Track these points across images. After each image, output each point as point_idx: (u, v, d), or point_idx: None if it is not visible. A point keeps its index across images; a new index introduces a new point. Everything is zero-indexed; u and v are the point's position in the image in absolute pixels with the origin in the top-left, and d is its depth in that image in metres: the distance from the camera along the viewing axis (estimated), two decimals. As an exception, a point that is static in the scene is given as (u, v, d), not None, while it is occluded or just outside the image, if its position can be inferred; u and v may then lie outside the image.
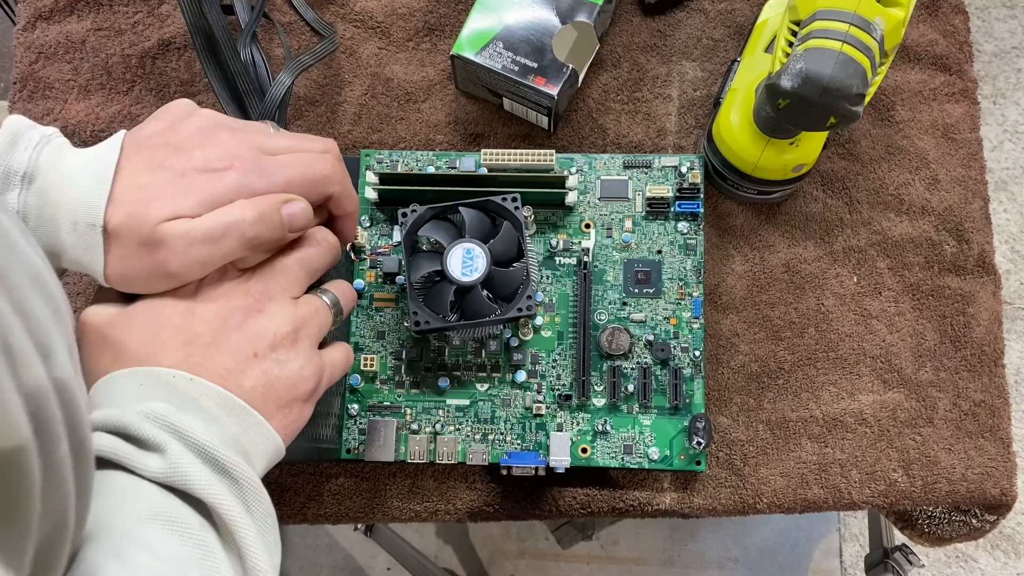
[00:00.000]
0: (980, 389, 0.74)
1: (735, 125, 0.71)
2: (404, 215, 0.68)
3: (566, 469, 0.70)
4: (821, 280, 0.76)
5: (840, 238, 0.77)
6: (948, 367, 0.75)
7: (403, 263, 0.72)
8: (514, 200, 0.68)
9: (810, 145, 0.71)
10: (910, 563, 1.04)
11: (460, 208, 0.69)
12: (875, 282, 0.76)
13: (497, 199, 0.68)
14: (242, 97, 0.68)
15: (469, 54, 0.74)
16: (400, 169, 0.76)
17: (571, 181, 0.72)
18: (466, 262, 0.67)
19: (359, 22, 0.81)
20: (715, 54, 0.81)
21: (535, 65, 0.74)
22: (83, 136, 0.78)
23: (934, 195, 0.78)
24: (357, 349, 0.73)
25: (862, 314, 0.75)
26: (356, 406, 0.72)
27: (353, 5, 0.82)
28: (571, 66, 0.74)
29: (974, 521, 0.76)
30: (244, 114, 0.69)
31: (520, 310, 0.67)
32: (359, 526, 1.38)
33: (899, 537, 1.08)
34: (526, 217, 0.71)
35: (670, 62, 0.80)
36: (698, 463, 0.71)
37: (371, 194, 0.72)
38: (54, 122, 0.78)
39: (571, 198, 0.73)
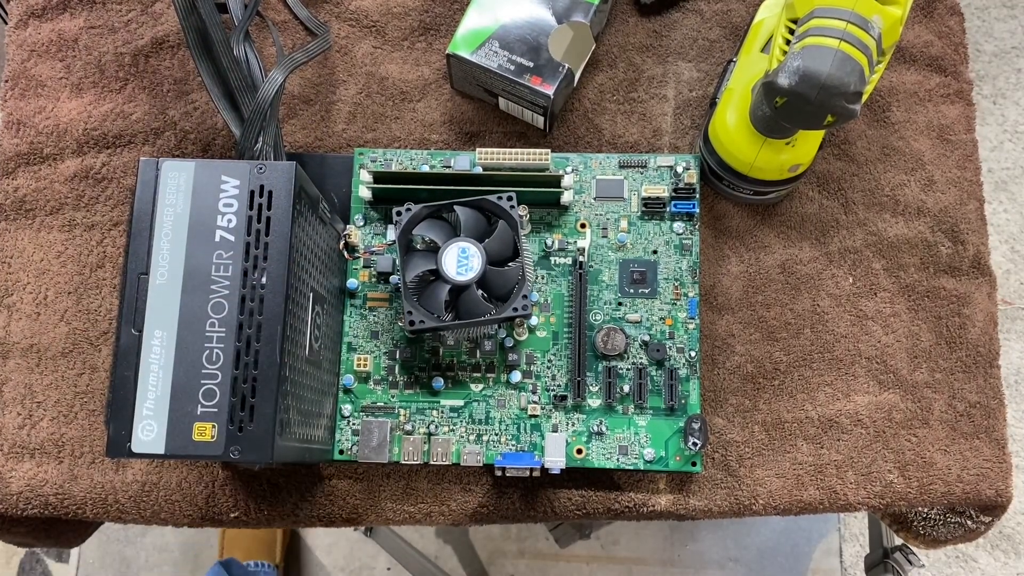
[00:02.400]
0: (975, 390, 0.74)
1: (731, 125, 0.71)
2: (399, 214, 0.68)
3: (561, 470, 0.69)
4: (817, 281, 0.76)
5: (836, 239, 0.76)
6: (943, 368, 0.74)
7: (397, 262, 0.71)
8: (510, 199, 0.68)
9: (806, 145, 0.70)
10: (910, 563, 1.03)
11: (455, 207, 0.68)
12: (871, 283, 0.76)
13: (493, 198, 0.68)
14: (234, 94, 0.68)
15: (465, 53, 0.74)
16: (394, 168, 0.76)
17: (567, 180, 0.72)
18: (461, 261, 0.67)
19: (354, 21, 0.81)
20: (711, 55, 0.80)
21: (531, 64, 0.73)
22: (75, 134, 0.78)
23: (930, 196, 0.77)
24: (350, 349, 0.73)
25: (858, 315, 0.75)
26: (349, 407, 0.72)
27: (348, 4, 0.81)
28: (567, 66, 0.73)
29: (969, 522, 0.76)
30: (236, 111, 0.68)
31: (516, 310, 0.67)
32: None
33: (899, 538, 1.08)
34: (522, 216, 0.71)
35: (666, 62, 0.80)
36: (693, 464, 0.70)
37: (365, 193, 0.72)
38: (46, 120, 0.78)
39: (567, 197, 0.73)
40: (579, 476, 0.73)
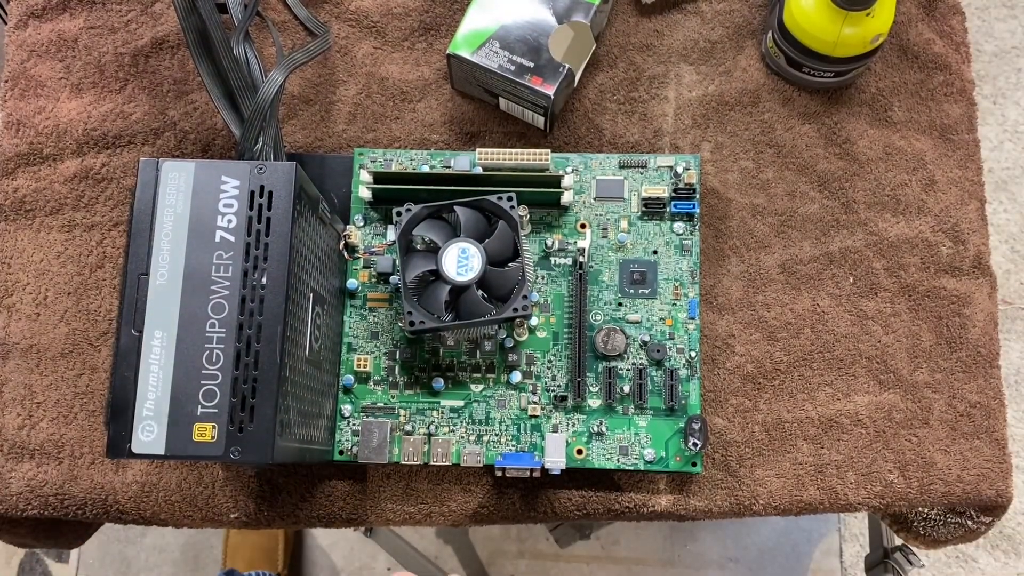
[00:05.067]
0: (976, 390, 0.74)
1: (809, 8, 0.73)
2: (399, 214, 0.68)
3: (561, 471, 0.69)
4: (817, 281, 0.76)
5: (836, 239, 0.76)
6: (944, 368, 0.74)
7: (397, 263, 0.71)
8: (510, 199, 0.68)
9: (884, 13, 0.72)
10: (910, 563, 1.03)
11: (456, 207, 0.68)
12: (871, 283, 0.76)
13: (493, 198, 0.68)
14: (234, 94, 0.68)
15: (465, 53, 0.74)
16: (394, 168, 0.76)
17: (567, 181, 0.72)
18: (461, 262, 0.67)
19: (354, 21, 0.81)
20: (712, 56, 0.80)
21: (531, 65, 0.73)
22: (75, 135, 0.78)
23: (931, 196, 0.77)
24: (350, 349, 0.73)
25: (858, 315, 0.75)
26: (349, 407, 0.72)
27: (348, 4, 0.81)
28: (567, 66, 0.73)
29: (969, 523, 0.76)
30: (236, 111, 0.68)
31: (516, 310, 0.67)
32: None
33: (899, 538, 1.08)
34: (522, 217, 0.71)
35: (667, 63, 0.80)
36: (694, 464, 0.70)
37: (365, 193, 0.72)
38: (46, 120, 0.78)
39: (567, 198, 0.73)
40: (579, 476, 0.73)
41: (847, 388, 0.74)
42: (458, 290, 0.67)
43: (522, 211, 0.71)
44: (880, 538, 1.08)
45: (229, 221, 0.58)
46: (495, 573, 1.46)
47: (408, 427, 0.71)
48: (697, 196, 0.74)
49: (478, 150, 0.72)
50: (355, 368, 0.72)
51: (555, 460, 0.69)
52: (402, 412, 0.72)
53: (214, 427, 0.55)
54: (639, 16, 0.81)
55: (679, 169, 0.75)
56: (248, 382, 0.56)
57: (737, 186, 0.77)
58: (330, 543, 1.47)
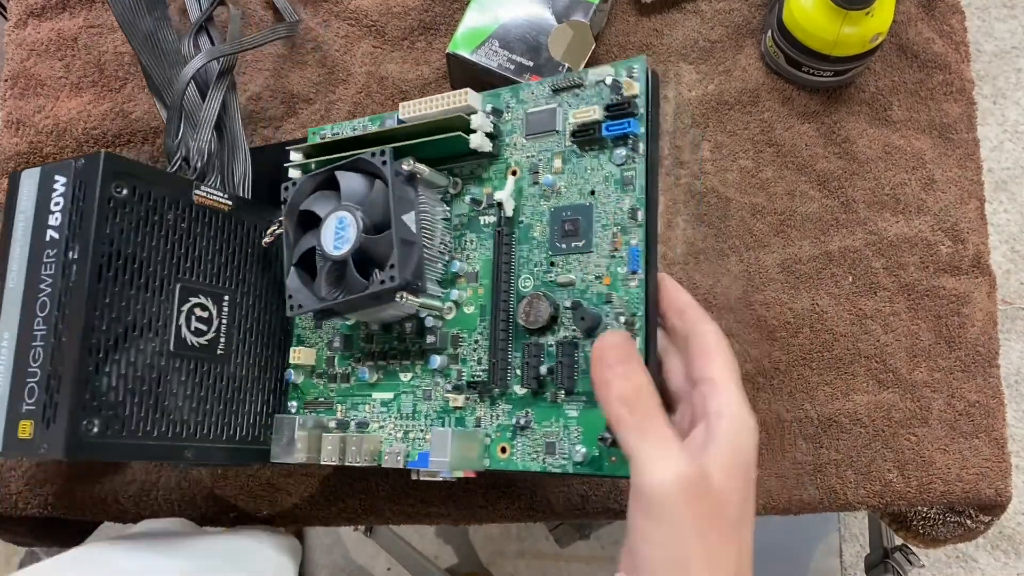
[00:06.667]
0: (975, 390, 0.74)
1: (809, 7, 0.73)
2: (286, 189, 0.61)
3: (479, 473, 0.57)
4: (816, 280, 0.75)
5: (836, 238, 0.76)
6: (943, 367, 0.74)
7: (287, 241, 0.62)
8: (383, 154, 0.58)
9: (883, 12, 0.73)
10: (910, 563, 1.04)
11: (336, 172, 0.59)
12: (870, 282, 0.76)
13: (366, 155, 0.58)
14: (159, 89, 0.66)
15: (464, 52, 0.74)
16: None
17: (476, 120, 0.58)
18: (338, 233, 0.58)
19: (354, 20, 0.81)
20: (711, 55, 0.80)
21: (531, 64, 0.73)
22: (75, 133, 0.78)
23: (930, 195, 0.77)
24: (299, 342, 0.67)
25: (857, 314, 0.75)
26: (295, 403, 0.66)
27: (348, 3, 0.81)
28: (567, 65, 0.73)
29: (969, 522, 0.76)
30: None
31: (383, 283, 0.56)
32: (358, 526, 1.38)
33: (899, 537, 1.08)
34: (415, 175, 0.59)
35: (667, 62, 0.80)
36: None
37: (294, 173, 0.64)
38: (46, 119, 0.78)
39: (476, 142, 0.58)
40: (579, 476, 0.72)
41: (846, 387, 0.74)
42: (341, 265, 0.58)
43: (417, 167, 0.58)
44: (880, 538, 1.08)
45: (56, 219, 0.58)
46: (495, 573, 1.46)
47: (332, 424, 0.63)
48: (641, 112, 0.54)
49: (400, 104, 0.61)
50: (292, 361, 0.65)
51: (439, 460, 0.55)
52: (339, 407, 0.63)
53: (32, 423, 0.55)
54: (639, 15, 0.81)
55: (620, 80, 0.55)
56: (56, 378, 0.56)
57: (737, 185, 0.77)
58: (330, 543, 1.47)
